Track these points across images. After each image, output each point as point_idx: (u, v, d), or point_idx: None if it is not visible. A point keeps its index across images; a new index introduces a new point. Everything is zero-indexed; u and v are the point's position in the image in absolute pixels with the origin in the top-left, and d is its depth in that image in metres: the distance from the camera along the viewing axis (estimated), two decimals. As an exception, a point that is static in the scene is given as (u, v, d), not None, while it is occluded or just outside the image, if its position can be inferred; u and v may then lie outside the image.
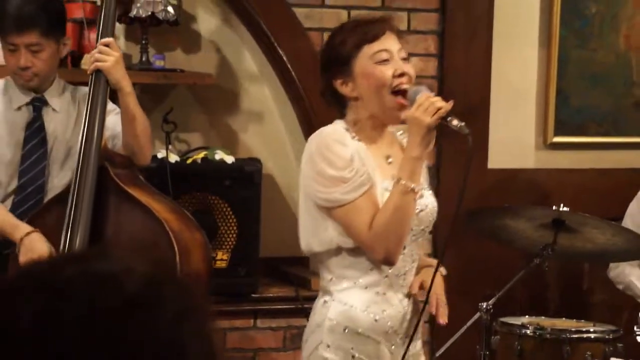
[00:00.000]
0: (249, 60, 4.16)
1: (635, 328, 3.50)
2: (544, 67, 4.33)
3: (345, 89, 2.66)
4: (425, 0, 4.16)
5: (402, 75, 2.62)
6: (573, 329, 3.57)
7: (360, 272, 2.64)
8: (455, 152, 4.05)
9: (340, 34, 2.71)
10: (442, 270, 2.76)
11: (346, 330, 2.64)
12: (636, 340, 3.49)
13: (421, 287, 2.73)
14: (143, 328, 0.98)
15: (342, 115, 2.71)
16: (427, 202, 2.71)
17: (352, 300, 2.64)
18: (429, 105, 2.51)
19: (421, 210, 2.67)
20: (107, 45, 3.09)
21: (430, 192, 2.76)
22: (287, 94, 4.13)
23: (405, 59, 2.67)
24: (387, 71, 2.62)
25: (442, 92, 4.19)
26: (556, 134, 4.35)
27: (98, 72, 3.08)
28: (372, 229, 2.56)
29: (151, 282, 1.01)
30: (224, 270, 3.83)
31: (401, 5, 4.14)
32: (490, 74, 4.25)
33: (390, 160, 2.70)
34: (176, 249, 2.92)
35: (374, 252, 2.59)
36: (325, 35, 4.05)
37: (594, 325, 3.64)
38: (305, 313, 3.95)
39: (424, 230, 2.73)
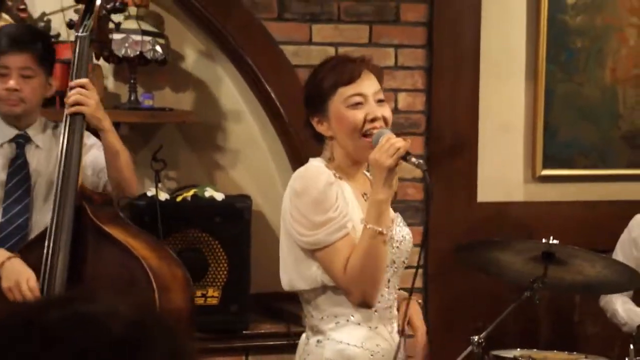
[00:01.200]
0: (237, 97, 4.18)
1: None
2: (531, 101, 4.36)
3: (321, 128, 2.68)
4: (412, 37, 4.19)
5: (374, 120, 2.63)
6: (565, 362, 3.57)
7: (350, 309, 2.63)
8: (445, 188, 4.07)
9: (321, 71, 2.71)
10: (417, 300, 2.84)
11: None
12: (628, 372, 3.49)
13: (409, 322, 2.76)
14: None
15: (319, 151, 2.72)
16: (404, 232, 2.72)
17: (347, 337, 2.64)
18: (388, 146, 2.52)
19: (401, 242, 2.69)
20: (82, 86, 3.10)
21: (403, 222, 2.76)
22: (275, 130, 4.14)
23: (381, 101, 2.67)
24: (359, 115, 2.62)
25: (430, 127, 4.21)
26: (544, 167, 4.37)
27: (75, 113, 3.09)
28: (347, 273, 2.56)
29: (137, 324, 1.01)
30: (215, 307, 3.83)
31: (388, 41, 4.17)
32: (477, 108, 4.27)
33: (366, 197, 2.70)
34: (154, 286, 2.92)
35: (351, 295, 2.59)
36: (313, 72, 4.09)
37: (585, 357, 3.63)
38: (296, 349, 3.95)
39: (404, 262, 2.73)
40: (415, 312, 2.80)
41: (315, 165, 2.67)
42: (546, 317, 4.40)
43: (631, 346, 3.53)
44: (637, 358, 3.49)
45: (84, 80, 3.11)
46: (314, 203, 2.57)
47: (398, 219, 2.73)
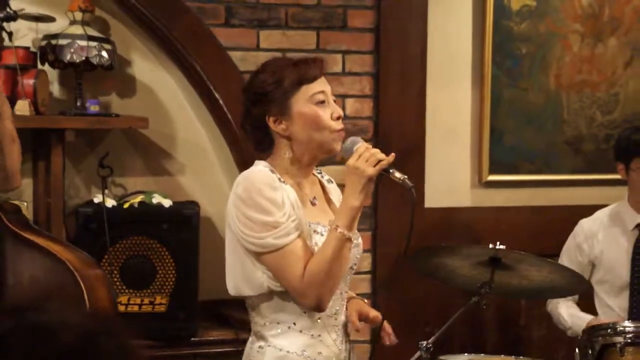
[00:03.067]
0: (184, 103, 4.17)
1: (572, 363, 3.55)
2: (477, 106, 4.40)
3: (277, 127, 2.64)
4: (359, 43, 4.21)
5: (339, 118, 2.65)
6: (512, 366, 3.60)
7: (293, 316, 2.62)
8: (393, 194, 4.09)
9: (272, 72, 2.66)
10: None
11: None
12: (574, 375, 3.53)
13: (360, 317, 2.76)
14: None
15: (262, 153, 2.70)
16: (359, 240, 2.73)
17: (287, 345, 2.63)
18: (369, 156, 2.54)
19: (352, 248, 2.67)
20: None
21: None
22: (223, 136, 4.13)
23: (335, 101, 2.70)
24: (327, 113, 2.63)
25: (377, 132, 4.23)
26: (491, 172, 4.41)
27: None
28: (306, 276, 2.53)
29: (87, 334, 1.01)
30: (163, 314, 3.81)
31: (336, 47, 4.18)
32: (425, 114, 4.30)
33: (315, 201, 2.71)
34: (82, 286, 2.90)
35: (306, 299, 2.55)
36: (261, 78, 4.08)
37: (532, 361, 3.67)
38: (246, 356, 3.95)
39: (352, 269, 2.73)
40: (364, 306, 2.81)
41: (259, 169, 2.63)
42: (493, 322, 4.44)
43: (577, 350, 3.57)
44: (583, 361, 3.53)
45: None
46: (261, 207, 2.53)
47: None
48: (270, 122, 2.65)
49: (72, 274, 2.90)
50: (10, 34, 3.02)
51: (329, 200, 2.80)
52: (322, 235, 2.60)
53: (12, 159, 3.07)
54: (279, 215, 2.54)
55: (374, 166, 2.53)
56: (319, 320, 2.64)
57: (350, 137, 2.64)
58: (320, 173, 2.84)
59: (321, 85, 2.65)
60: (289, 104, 2.62)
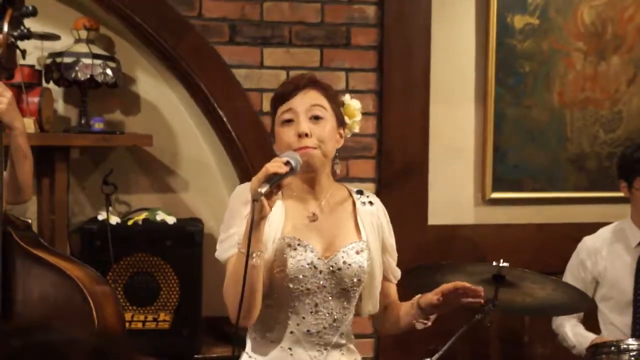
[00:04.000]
0: (188, 121, 4.18)
1: (576, 381, 3.54)
2: (481, 124, 4.41)
3: (275, 147, 2.68)
4: (363, 61, 4.22)
5: (301, 135, 2.58)
6: (515, 383, 3.59)
7: (265, 326, 2.64)
8: (396, 211, 4.09)
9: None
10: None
11: None
12: (577, 393, 3.53)
13: (429, 304, 2.76)
14: None
15: None
16: (351, 261, 2.66)
17: (259, 355, 2.66)
18: (261, 172, 2.42)
19: (338, 269, 2.63)
20: None
21: (361, 250, 2.69)
22: (227, 153, 4.14)
23: (317, 118, 2.62)
24: (289, 133, 2.60)
25: (381, 150, 4.24)
26: (494, 190, 4.42)
27: None
28: (224, 289, 2.54)
29: (95, 351, 1.01)
30: (167, 331, 3.81)
31: (339, 65, 4.19)
32: (428, 131, 4.31)
33: (314, 218, 2.68)
34: (91, 303, 2.90)
35: (228, 311, 2.55)
36: (264, 96, 4.10)
37: (536, 379, 3.67)
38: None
39: (345, 290, 2.66)
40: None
41: (245, 184, 2.61)
42: (497, 339, 4.43)
43: (580, 367, 3.57)
44: (586, 379, 3.53)
45: None
46: (225, 219, 2.60)
47: (350, 246, 2.67)
48: (274, 146, 2.69)
49: (81, 291, 2.91)
50: (23, 52, 3.04)
51: (355, 221, 2.73)
52: (295, 249, 2.58)
53: (24, 174, 3.08)
54: (233, 229, 2.56)
55: (259, 179, 2.40)
56: (291, 334, 2.63)
57: (290, 152, 2.55)
58: (361, 193, 2.79)
59: (291, 103, 2.62)
60: (274, 126, 2.68)
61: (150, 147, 4.04)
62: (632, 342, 3.53)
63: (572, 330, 3.93)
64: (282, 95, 2.64)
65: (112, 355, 1.02)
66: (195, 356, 3.90)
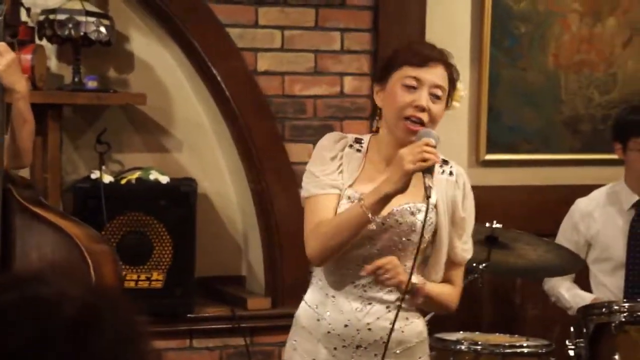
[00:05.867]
0: (182, 80, 4.16)
1: (567, 342, 3.56)
2: (475, 85, 4.40)
3: (377, 97, 2.73)
4: (358, 20, 4.20)
5: (419, 107, 2.62)
6: (507, 344, 3.62)
7: (321, 273, 2.73)
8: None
9: (402, 47, 2.76)
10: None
11: (298, 325, 2.77)
12: (568, 354, 3.55)
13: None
14: (83, 351, 0.98)
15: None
16: (403, 220, 2.66)
17: (309, 297, 2.77)
18: (419, 152, 2.52)
19: (390, 226, 2.65)
20: None
21: (418, 211, 2.66)
22: (221, 113, 4.13)
23: (436, 97, 2.65)
24: (407, 98, 2.63)
25: (375, 111, 4.22)
26: (488, 151, 4.41)
27: None
28: (316, 226, 2.64)
29: (89, 305, 1.01)
30: (160, 290, 3.82)
31: (334, 25, 4.17)
32: (422, 92, 4.29)
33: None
34: (89, 261, 2.92)
35: (307, 247, 2.68)
36: (259, 55, 4.08)
37: (527, 340, 3.69)
38: (242, 332, 3.96)
39: (393, 248, 2.66)
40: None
41: (336, 133, 2.82)
42: (489, 300, 4.45)
43: (572, 328, 3.59)
44: (577, 340, 3.55)
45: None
46: (315, 157, 2.73)
47: (406, 206, 2.66)
48: (375, 89, 2.75)
49: (80, 249, 2.93)
50: (28, 10, 3.01)
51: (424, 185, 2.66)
52: (353, 202, 2.66)
53: (22, 139, 3.07)
54: (319, 170, 2.69)
55: (415, 162, 2.51)
56: (335, 282, 2.70)
57: (428, 129, 2.61)
58: (446, 163, 2.78)
59: (422, 73, 2.65)
60: (389, 78, 2.69)
61: (143, 106, 4.03)
62: (623, 303, 3.56)
63: (568, 292, 3.95)
64: (413, 59, 2.66)
65: (106, 310, 1.03)
66: (188, 315, 3.92)
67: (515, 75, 4.45)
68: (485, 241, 3.46)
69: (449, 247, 2.74)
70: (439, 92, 2.67)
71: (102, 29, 3.83)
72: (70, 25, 3.78)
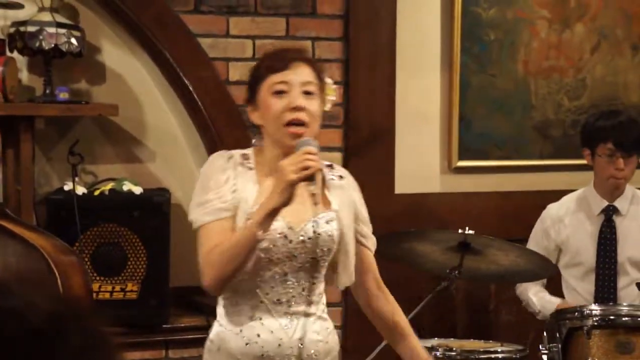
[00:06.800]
0: (154, 91, 4.16)
1: (540, 347, 3.59)
2: (446, 92, 4.42)
3: (253, 117, 2.71)
4: (329, 29, 4.22)
5: (296, 109, 2.62)
6: (481, 350, 3.64)
7: (235, 295, 2.67)
8: (363, 180, 4.11)
9: (259, 59, 2.76)
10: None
11: (219, 350, 2.69)
12: (542, 358, 3.57)
13: None
14: None
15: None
16: (321, 230, 2.67)
17: (227, 322, 2.69)
18: (300, 161, 2.51)
19: (309, 238, 2.66)
20: None
21: (330, 220, 2.70)
22: (193, 123, 4.13)
23: (308, 93, 2.65)
24: (280, 104, 2.62)
25: (348, 119, 4.25)
26: (460, 158, 4.44)
27: None
28: (209, 253, 2.59)
29: (54, 316, 1.02)
30: (135, 301, 3.81)
31: (305, 34, 4.19)
32: (394, 100, 4.32)
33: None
34: (56, 273, 2.91)
35: (203, 277, 2.62)
36: (230, 65, 4.09)
37: (501, 345, 3.71)
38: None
39: (315, 260, 2.68)
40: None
41: (221, 152, 2.74)
42: (463, 307, 4.47)
43: (544, 333, 3.62)
44: (550, 345, 3.57)
45: None
46: (200, 184, 2.68)
47: (320, 216, 2.67)
48: (249, 110, 2.72)
49: (46, 261, 2.91)
50: None
51: (323, 196, 2.72)
52: None
53: None
54: (212, 193, 2.63)
55: (297, 172, 2.49)
56: (261, 304, 2.65)
57: (306, 138, 2.61)
58: (331, 167, 2.80)
59: (286, 75, 2.64)
60: (258, 92, 2.67)
61: (116, 117, 4.03)
62: (594, 307, 3.59)
63: (536, 295, 3.98)
64: (274, 66, 2.66)
65: (72, 321, 1.03)
66: (164, 326, 3.91)
67: (486, 82, 4.48)
68: (458, 247, 3.48)
69: (362, 237, 2.79)
70: (311, 88, 2.66)
71: (73, 41, 3.83)
72: (41, 37, 3.78)
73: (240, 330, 2.65)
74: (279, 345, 2.64)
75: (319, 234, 2.66)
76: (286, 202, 2.51)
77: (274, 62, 2.68)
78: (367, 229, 2.84)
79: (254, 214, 2.56)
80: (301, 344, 2.65)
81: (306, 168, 2.50)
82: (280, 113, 2.62)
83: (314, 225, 2.65)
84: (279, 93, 2.64)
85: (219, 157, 2.71)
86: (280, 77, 2.65)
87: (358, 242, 2.79)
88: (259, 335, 2.64)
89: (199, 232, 2.65)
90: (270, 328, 2.65)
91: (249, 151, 2.74)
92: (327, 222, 2.69)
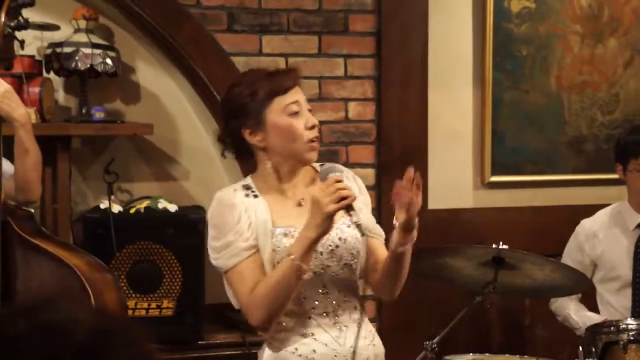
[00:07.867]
0: (188, 109, 4.20)
1: (576, 361, 3.57)
2: (479, 108, 4.43)
3: (253, 139, 2.72)
4: (361, 46, 4.24)
5: (314, 127, 2.71)
6: (516, 365, 3.62)
7: (284, 317, 2.69)
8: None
9: (248, 84, 2.72)
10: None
11: None
12: (577, 373, 3.56)
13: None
14: None
15: (245, 164, 2.78)
16: (345, 236, 2.72)
17: (281, 343, 2.71)
18: (334, 191, 2.54)
19: (337, 246, 2.71)
20: None
21: (350, 225, 2.72)
22: (227, 141, 4.16)
23: (310, 110, 2.75)
24: (301, 124, 2.69)
25: (380, 135, 4.26)
26: (493, 173, 4.44)
27: None
28: (252, 294, 2.63)
29: (100, 331, 1.03)
30: (170, 318, 3.83)
31: (337, 51, 4.21)
32: (427, 116, 4.33)
33: (302, 202, 2.74)
34: (90, 291, 2.93)
35: (250, 317, 2.67)
36: (264, 83, 4.11)
37: (536, 360, 3.69)
38: (252, 358, 3.97)
39: (348, 265, 2.73)
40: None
41: (224, 190, 2.76)
42: (497, 322, 4.46)
43: (580, 348, 3.60)
44: (586, 359, 3.56)
45: None
46: (214, 229, 2.71)
47: (340, 220, 2.70)
48: (246, 134, 2.72)
49: (79, 279, 2.93)
50: (22, 42, 3.04)
51: None
52: (293, 237, 2.65)
53: (25, 170, 3.07)
54: (230, 234, 2.66)
55: (335, 203, 2.53)
56: (309, 319, 2.69)
57: (330, 163, 2.69)
58: (323, 166, 2.83)
59: (294, 95, 2.70)
60: (264, 115, 2.69)
61: (150, 136, 4.06)
62: (631, 322, 3.57)
63: (576, 313, 3.96)
64: (280, 87, 2.70)
65: (118, 335, 1.04)
66: (199, 342, 3.93)
67: (518, 97, 4.48)
68: (492, 262, 3.47)
69: (369, 228, 2.79)
70: (308, 105, 2.75)
71: (109, 61, 3.87)
72: (76, 58, 3.83)
73: (296, 349, 2.68)
74: (335, 356, 2.68)
75: (345, 240, 2.71)
76: (326, 232, 2.57)
77: (278, 84, 2.70)
78: (371, 217, 2.87)
79: (293, 248, 2.59)
80: (354, 351, 2.69)
81: (343, 197, 2.53)
82: (303, 132, 2.69)
83: (337, 233, 2.70)
84: (295, 113, 2.69)
85: (224, 195, 2.73)
86: (290, 99, 2.70)
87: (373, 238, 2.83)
88: (314, 351, 2.68)
89: (229, 277, 2.69)
90: (324, 341, 2.69)
91: (248, 181, 2.78)
92: (348, 227, 2.73)
